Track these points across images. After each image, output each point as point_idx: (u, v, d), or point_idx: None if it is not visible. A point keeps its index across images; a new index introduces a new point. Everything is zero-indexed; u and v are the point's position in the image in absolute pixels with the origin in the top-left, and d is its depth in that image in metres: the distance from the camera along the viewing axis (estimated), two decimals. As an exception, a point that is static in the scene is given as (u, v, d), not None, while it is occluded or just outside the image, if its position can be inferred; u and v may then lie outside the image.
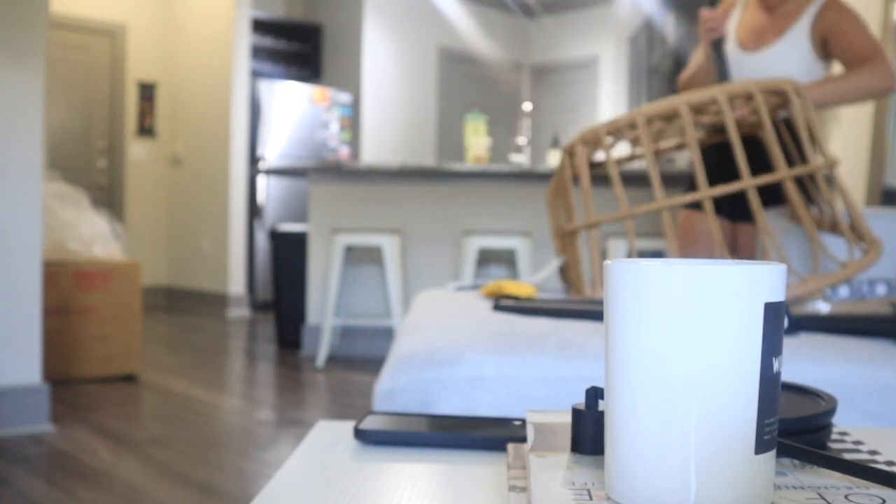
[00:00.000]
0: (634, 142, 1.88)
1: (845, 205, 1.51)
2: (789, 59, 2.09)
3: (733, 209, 2.16)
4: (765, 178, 1.45)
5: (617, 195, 1.50)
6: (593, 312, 1.24)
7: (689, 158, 1.71)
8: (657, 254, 3.92)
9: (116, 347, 3.71)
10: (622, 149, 5.33)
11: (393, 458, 0.58)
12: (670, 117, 1.59)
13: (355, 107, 6.99)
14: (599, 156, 3.77)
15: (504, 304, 1.35)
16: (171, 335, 5.32)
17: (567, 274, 1.80)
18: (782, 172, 1.47)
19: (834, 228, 1.61)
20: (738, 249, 2.21)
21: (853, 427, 0.65)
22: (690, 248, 2.15)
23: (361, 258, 4.40)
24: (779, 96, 1.58)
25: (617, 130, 1.57)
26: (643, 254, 3.91)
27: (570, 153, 1.70)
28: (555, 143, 4.97)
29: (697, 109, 1.54)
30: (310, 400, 3.46)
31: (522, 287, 1.54)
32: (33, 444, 2.64)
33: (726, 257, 1.60)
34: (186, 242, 6.97)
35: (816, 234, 1.50)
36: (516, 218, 4.33)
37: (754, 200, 1.45)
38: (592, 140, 1.61)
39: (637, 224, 4.08)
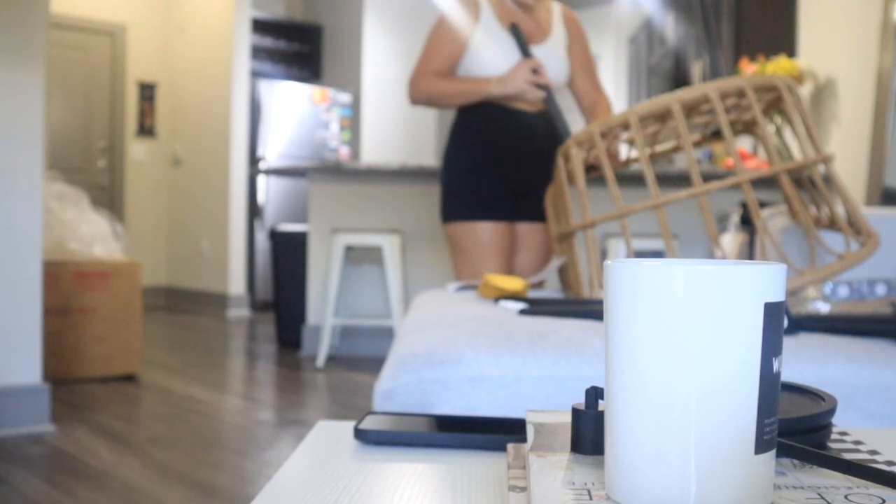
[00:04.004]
0: (631, 143, 1.88)
1: (841, 198, 1.51)
2: (556, 56, 2.38)
3: (512, 211, 2.40)
4: (760, 173, 1.45)
5: (612, 194, 1.50)
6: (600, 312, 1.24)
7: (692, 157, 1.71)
8: (657, 254, 3.92)
9: (117, 347, 3.71)
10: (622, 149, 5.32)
11: (393, 458, 0.58)
12: (663, 116, 1.58)
13: (355, 107, 6.99)
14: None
15: (530, 309, 1.34)
16: (171, 335, 5.32)
17: (565, 276, 1.80)
18: (777, 166, 1.47)
19: (832, 226, 1.61)
20: (523, 247, 2.46)
21: (853, 427, 0.65)
22: (476, 257, 2.37)
23: (361, 258, 4.40)
24: (770, 92, 1.58)
25: (610, 130, 1.57)
26: (642, 254, 3.91)
27: (564, 156, 1.70)
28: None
29: (690, 107, 1.54)
30: (310, 400, 3.46)
31: (511, 280, 1.54)
32: (33, 444, 2.64)
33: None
34: (186, 242, 6.97)
35: (812, 227, 1.50)
36: (516, 218, 4.32)
37: (750, 196, 1.45)
38: (586, 141, 1.61)
39: (637, 224, 4.08)
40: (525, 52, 2.29)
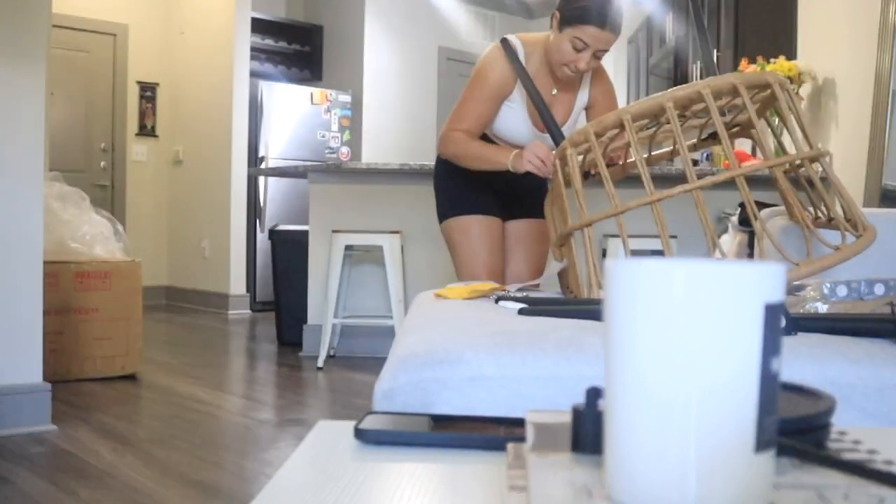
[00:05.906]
0: (628, 145, 1.88)
1: (836, 192, 1.51)
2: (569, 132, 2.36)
3: (502, 209, 2.52)
4: (754, 168, 1.45)
5: (608, 193, 1.50)
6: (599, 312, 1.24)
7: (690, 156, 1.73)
8: (657, 254, 3.92)
9: (117, 347, 3.71)
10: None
11: (393, 458, 0.58)
12: (658, 115, 1.58)
13: (355, 107, 6.99)
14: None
15: (529, 309, 1.33)
16: (171, 335, 5.32)
17: (565, 280, 1.80)
18: (771, 160, 1.47)
19: (829, 224, 1.61)
20: (515, 245, 2.57)
21: (852, 426, 0.65)
22: (475, 248, 2.47)
23: (361, 258, 4.40)
24: (764, 90, 1.58)
25: (605, 130, 1.57)
26: (642, 254, 3.91)
27: (561, 159, 1.70)
28: (555, 144, 4.97)
29: (683, 105, 1.53)
30: (310, 400, 3.46)
31: (480, 284, 1.55)
32: (34, 444, 2.64)
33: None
34: (187, 242, 6.97)
35: (808, 220, 1.50)
36: (516, 218, 4.32)
37: (745, 192, 1.45)
38: (582, 142, 1.60)
39: (636, 224, 4.08)
40: (550, 126, 2.23)
